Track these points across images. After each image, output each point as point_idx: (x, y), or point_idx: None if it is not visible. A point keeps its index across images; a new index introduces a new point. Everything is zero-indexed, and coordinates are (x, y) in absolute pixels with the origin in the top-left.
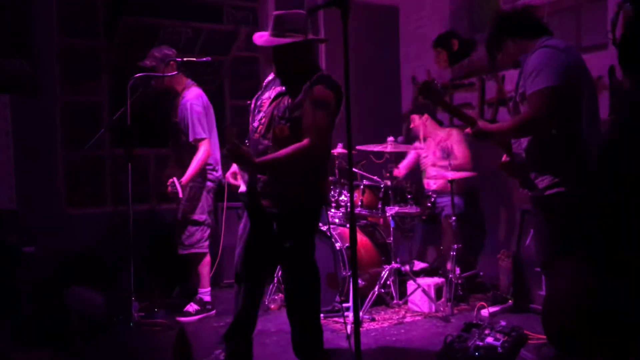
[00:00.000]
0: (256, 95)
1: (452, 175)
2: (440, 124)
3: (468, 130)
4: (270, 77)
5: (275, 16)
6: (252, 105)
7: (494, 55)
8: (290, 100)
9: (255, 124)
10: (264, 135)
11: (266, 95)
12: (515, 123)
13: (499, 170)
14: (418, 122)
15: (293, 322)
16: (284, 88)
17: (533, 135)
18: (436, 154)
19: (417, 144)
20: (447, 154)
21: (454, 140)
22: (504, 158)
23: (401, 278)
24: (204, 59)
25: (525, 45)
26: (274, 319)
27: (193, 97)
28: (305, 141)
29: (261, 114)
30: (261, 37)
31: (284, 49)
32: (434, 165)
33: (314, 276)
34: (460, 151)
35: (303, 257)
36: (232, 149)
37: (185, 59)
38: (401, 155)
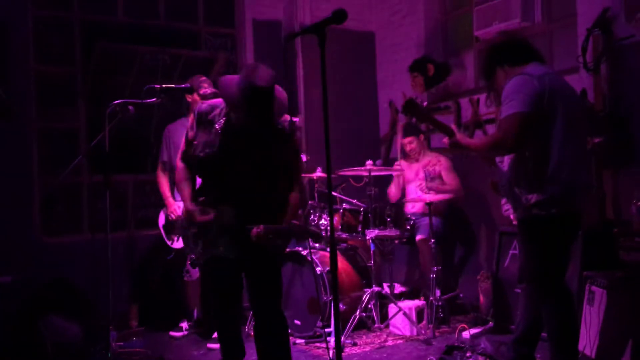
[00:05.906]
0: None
1: (430, 198)
2: (429, 146)
3: (445, 139)
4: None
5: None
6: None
7: (489, 84)
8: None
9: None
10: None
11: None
12: (484, 142)
13: (490, 188)
14: (415, 143)
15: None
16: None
17: (501, 155)
18: (419, 174)
19: (397, 165)
20: (431, 177)
21: (443, 167)
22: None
23: (382, 301)
24: (183, 85)
25: (514, 72)
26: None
27: None
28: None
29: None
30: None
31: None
32: (413, 182)
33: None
34: (450, 178)
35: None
36: None
37: (164, 85)
38: (381, 179)
